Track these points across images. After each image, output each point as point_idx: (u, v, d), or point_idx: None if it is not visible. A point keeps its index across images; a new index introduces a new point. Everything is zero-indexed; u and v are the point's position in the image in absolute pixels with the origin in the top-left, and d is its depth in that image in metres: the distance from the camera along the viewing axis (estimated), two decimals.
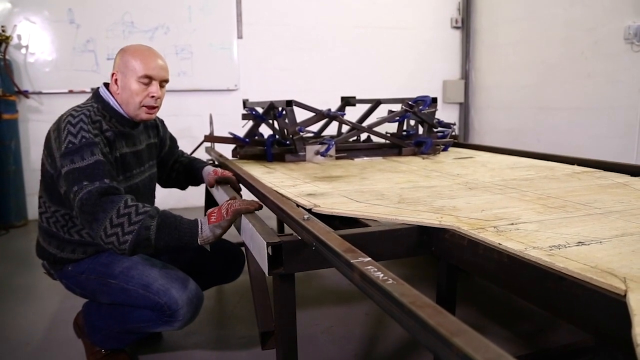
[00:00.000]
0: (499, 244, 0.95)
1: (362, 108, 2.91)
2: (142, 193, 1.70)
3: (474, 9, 4.98)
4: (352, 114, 2.90)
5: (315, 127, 2.68)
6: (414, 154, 2.48)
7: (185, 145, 2.39)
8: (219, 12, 4.32)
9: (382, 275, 0.71)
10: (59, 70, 4.01)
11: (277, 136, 2.51)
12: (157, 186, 1.93)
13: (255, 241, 1.14)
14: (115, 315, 1.61)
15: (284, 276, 1.12)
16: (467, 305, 2.18)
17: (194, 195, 3.20)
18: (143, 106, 1.58)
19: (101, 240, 1.33)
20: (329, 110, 2.54)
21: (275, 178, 1.85)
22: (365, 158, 2.40)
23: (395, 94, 3.23)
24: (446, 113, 4.87)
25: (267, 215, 1.38)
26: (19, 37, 3.90)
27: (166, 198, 2.95)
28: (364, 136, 2.76)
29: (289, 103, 2.38)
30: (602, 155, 2.46)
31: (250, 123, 2.64)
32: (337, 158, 2.35)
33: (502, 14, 4.67)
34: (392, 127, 2.68)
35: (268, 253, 1.05)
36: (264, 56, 4.51)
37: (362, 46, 4.79)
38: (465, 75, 5.10)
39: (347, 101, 3.07)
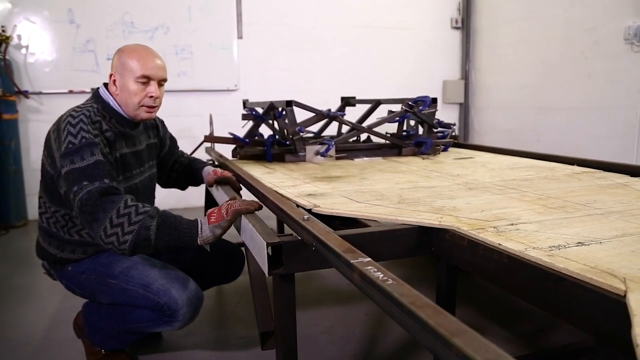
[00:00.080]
0: (499, 244, 0.95)
1: (362, 108, 2.91)
2: (142, 193, 1.70)
3: (474, 9, 4.98)
4: (352, 114, 2.90)
5: (315, 128, 2.68)
6: (414, 154, 2.48)
7: (185, 146, 2.39)
8: (219, 12, 4.32)
9: (382, 275, 0.71)
10: (59, 70, 4.01)
11: (277, 136, 2.51)
12: (157, 186, 1.93)
13: (255, 241, 1.14)
14: (115, 315, 1.61)
15: (284, 276, 1.12)
16: (467, 305, 2.18)
17: (194, 196, 3.20)
18: (142, 106, 1.58)
19: (101, 240, 1.33)
20: (329, 110, 2.54)
21: (275, 178, 1.85)
22: (365, 158, 2.40)
23: (395, 94, 3.23)
24: (446, 113, 4.87)
25: (267, 216, 1.38)
26: (19, 37, 3.90)
27: (166, 198, 2.95)
28: (364, 136, 2.76)
29: (289, 103, 2.38)
30: (602, 156, 2.46)
31: (250, 123, 2.63)
32: (337, 158, 2.35)
33: (502, 14, 4.67)
34: (392, 128, 2.68)
35: (268, 253, 1.05)
36: (264, 56, 4.51)
37: (362, 46, 4.79)
38: (465, 75, 5.10)
39: (347, 101, 3.07)
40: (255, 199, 1.44)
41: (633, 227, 1.06)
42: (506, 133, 4.67)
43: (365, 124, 2.62)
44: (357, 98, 3.07)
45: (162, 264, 1.61)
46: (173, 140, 2.02)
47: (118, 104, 1.59)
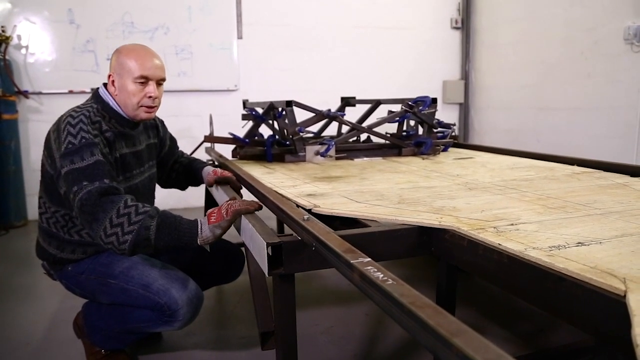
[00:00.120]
0: (499, 244, 0.95)
1: (362, 108, 2.91)
2: (141, 193, 1.70)
3: (474, 9, 4.98)
4: (352, 114, 2.90)
5: (315, 128, 2.68)
6: (414, 155, 2.48)
7: (185, 146, 2.39)
8: (219, 12, 4.32)
9: (381, 275, 0.71)
10: (58, 70, 4.01)
11: (277, 136, 2.51)
12: (157, 186, 1.93)
13: (255, 241, 1.14)
14: (115, 315, 1.61)
15: (284, 276, 1.12)
16: (467, 305, 2.18)
17: (194, 196, 3.20)
18: (141, 106, 1.58)
19: (101, 240, 1.33)
20: (329, 110, 2.54)
21: (275, 178, 1.85)
22: (365, 158, 2.40)
23: (395, 94, 3.23)
24: (446, 113, 4.87)
25: (267, 216, 1.38)
26: (19, 37, 3.90)
27: (166, 198, 2.95)
28: (363, 136, 2.76)
29: (289, 103, 2.38)
30: (602, 156, 2.46)
31: (250, 123, 2.64)
32: (337, 158, 2.35)
33: (502, 14, 4.67)
34: (392, 128, 2.68)
35: (268, 253, 1.05)
36: (264, 56, 4.51)
37: (362, 46, 4.79)
38: (465, 75, 5.10)
39: (347, 101, 3.07)
40: (255, 199, 1.44)
41: (633, 227, 1.06)
42: (506, 133, 4.67)
43: (365, 124, 2.62)
44: (357, 98, 3.07)
45: (162, 264, 1.61)
46: (173, 141, 2.02)
47: (118, 104, 1.59)
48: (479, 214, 1.21)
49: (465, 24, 5.02)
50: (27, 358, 1.84)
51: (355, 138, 2.66)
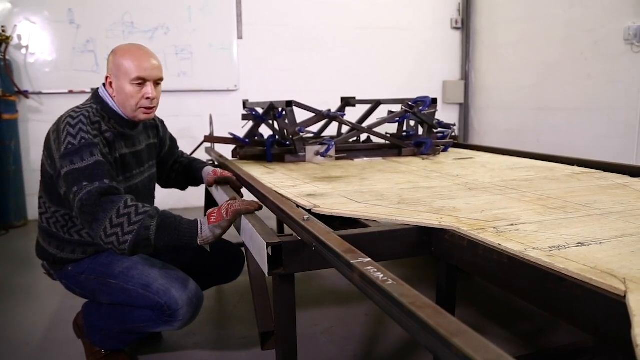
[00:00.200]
0: (499, 244, 0.95)
1: (362, 108, 2.91)
2: (141, 193, 1.70)
3: (474, 10, 4.98)
4: (352, 114, 2.90)
5: (315, 128, 2.68)
6: (414, 155, 2.48)
7: (185, 146, 2.39)
8: (219, 12, 4.32)
9: (381, 275, 0.71)
10: (59, 70, 4.01)
11: (277, 137, 2.51)
12: (157, 186, 1.93)
13: (255, 241, 1.14)
14: (115, 315, 1.61)
15: (284, 276, 1.12)
16: (467, 305, 2.18)
17: (194, 196, 3.20)
18: (140, 108, 1.57)
19: (101, 241, 1.33)
20: (329, 110, 2.54)
21: (275, 178, 1.85)
22: (365, 159, 2.41)
23: (395, 95, 3.23)
24: (446, 114, 4.88)
25: (267, 216, 1.38)
26: (19, 37, 3.90)
27: (166, 198, 2.95)
28: (363, 137, 2.76)
29: (289, 103, 2.38)
30: (602, 156, 2.46)
31: (250, 123, 2.64)
32: (337, 159, 2.35)
33: (502, 14, 4.67)
34: (392, 128, 2.68)
35: (268, 253, 1.05)
36: (264, 56, 4.51)
37: (362, 46, 4.79)
38: (465, 75, 5.10)
39: (347, 102, 3.07)
40: (255, 199, 1.44)
41: (633, 228, 1.06)
42: (506, 133, 4.67)
43: (365, 125, 2.62)
44: (357, 98, 3.07)
45: (162, 264, 1.61)
46: (173, 141, 2.02)
47: (117, 104, 1.59)
48: (479, 214, 1.22)
49: (465, 24, 5.02)
50: (27, 358, 1.84)
51: (355, 138, 2.66)
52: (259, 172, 2.01)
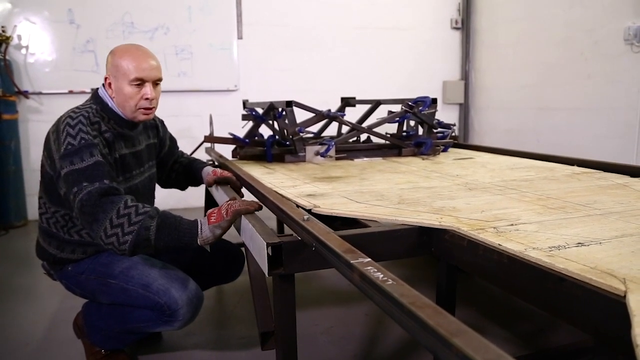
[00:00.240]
0: (499, 244, 0.95)
1: (362, 109, 2.91)
2: (141, 194, 1.70)
3: (474, 10, 4.98)
4: (352, 114, 2.90)
5: (315, 128, 2.68)
6: (414, 155, 2.48)
7: (185, 146, 2.39)
8: (219, 12, 4.32)
9: (381, 275, 0.71)
10: (58, 70, 4.01)
11: (277, 137, 2.51)
12: (157, 187, 1.93)
13: (255, 241, 1.14)
14: (115, 315, 1.61)
15: (284, 276, 1.12)
16: (467, 305, 2.18)
17: (194, 196, 3.20)
18: (139, 109, 1.57)
19: (101, 241, 1.33)
20: (329, 110, 2.54)
21: (275, 178, 1.85)
22: (365, 159, 2.41)
23: (395, 95, 3.23)
24: (446, 114, 4.87)
25: (267, 216, 1.38)
26: (19, 37, 3.90)
27: (166, 198, 2.95)
28: (363, 137, 2.76)
29: (289, 103, 2.38)
30: (602, 156, 2.46)
31: (250, 123, 2.64)
32: (337, 159, 2.35)
33: (502, 14, 4.68)
34: (392, 128, 2.68)
35: (268, 253, 1.05)
36: (264, 56, 4.51)
37: (362, 46, 4.79)
38: (465, 75, 5.10)
39: (347, 102, 3.07)
40: (255, 199, 1.44)
41: (633, 228, 1.06)
42: (506, 133, 4.67)
43: (365, 125, 2.63)
44: (357, 98, 3.07)
45: (162, 264, 1.61)
46: (173, 141, 2.02)
47: (116, 105, 1.59)
48: (479, 214, 1.22)
49: (465, 24, 5.02)
50: (27, 358, 1.84)
51: (355, 138, 2.66)
52: (259, 172, 2.01)
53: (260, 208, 1.33)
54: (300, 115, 2.43)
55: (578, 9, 3.80)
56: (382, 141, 2.58)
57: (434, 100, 2.58)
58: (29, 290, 2.52)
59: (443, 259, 1.32)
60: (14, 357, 1.84)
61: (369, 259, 0.79)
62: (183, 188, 2.09)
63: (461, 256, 1.04)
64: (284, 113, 2.41)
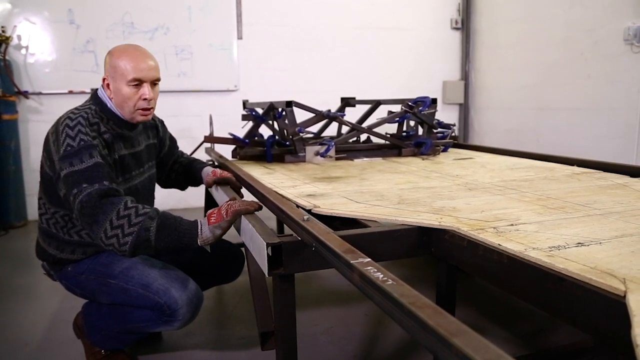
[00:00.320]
0: (499, 244, 0.95)
1: (362, 109, 2.91)
2: (141, 194, 1.70)
3: (474, 10, 4.98)
4: (352, 114, 2.90)
5: (315, 128, 2.68)
6: (414, 155, 2.48)
7: (185, 146, 2.39)
8: (219, 13, 4.32)
9: (381, 275, 0.71)
10: (58, 70, 4.01)
11: (277, 137, 2.51)
12: (157, 187, 1.93)
13: (255, 242, 1.14)
14: (115, 315, 1.61)
15: (284, 277, 1.12)
16: (466, 305, 2.18)
17: (194, 196, 3.20)
18: (138, 109, 1.57)
19: (101, 242, 1.33)
20: (329, 111, 2.54)
21: (275, 179, 1.85)
22: (365, 159, 2.41)
23: (395, 95, 3.23)
24: (446, 114, 4.88)
25: (267, 216, 1.38)
26: (19, 37, 3.90)
27: (166, 199, 2.95)
28: (363, 137, 2.76)
29: (289, 104, 2.38)
30: (602, 156, 2.46)
31: (250, 124, 2.64)
32: (337, 159, 2.35)
33: (502, 14, 4.68)
34: (392, 128, 2.68)
35: (268, 254, 1.05)
36: (263, 56, 4.51)
37: (362, 47, 4.79)
38: (465, 76, 5.10)
39: (347, 102, 3.07)
40: (255, 200, 1.44)
41: (633, 228, 1.06)
42: (506, 133, 4.67)
43: (365, 125, 2.63)
44: (357, 98, 3.07)
45: (162, 264, 1.61)
46: (173, 141, 2.02)
47: (115, 105, 1.59)
48: (478, 214, 1.22)
49: (465, 24, 5.02)
50: (27, 358, 1.84)
51: (355, 138, 2.66)
52: (258, 173, 2.01)
53: (260, 208, 1.33)
54: (300, 116, 2.43)
55: (578, 9, 3.80)
56: (382, 141, 2.58)
57: (434, 101, 2.58)
58: (29, 290, 2.52)
59: (443, 259, 1.32)
60: (14, 357, 1.84)
61: (369, 259, 0.79)
62: (183, 188, 2.09)
63: (461, 256, 1.04)
64: (283, 113, 2.41)
